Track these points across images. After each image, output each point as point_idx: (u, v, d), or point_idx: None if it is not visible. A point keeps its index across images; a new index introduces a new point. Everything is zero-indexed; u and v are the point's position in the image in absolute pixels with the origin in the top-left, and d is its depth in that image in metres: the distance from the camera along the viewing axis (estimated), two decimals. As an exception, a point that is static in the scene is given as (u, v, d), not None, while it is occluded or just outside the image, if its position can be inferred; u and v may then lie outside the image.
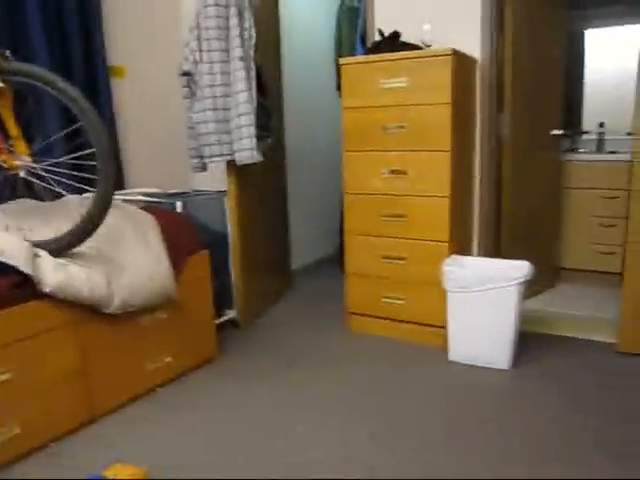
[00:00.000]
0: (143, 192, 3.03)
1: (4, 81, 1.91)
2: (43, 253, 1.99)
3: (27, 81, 1.94)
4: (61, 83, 1.90)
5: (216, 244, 3.02)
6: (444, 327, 2.80)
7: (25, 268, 1.89)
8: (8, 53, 1.96)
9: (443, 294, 2.73)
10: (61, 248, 2.03)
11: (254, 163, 2.97)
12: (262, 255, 3.52)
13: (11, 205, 2.41)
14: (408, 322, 2.95)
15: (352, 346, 2.93)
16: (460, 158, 2.85)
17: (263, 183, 3.49)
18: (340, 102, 3.01)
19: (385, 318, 3.02)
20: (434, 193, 2.75)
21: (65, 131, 2.22)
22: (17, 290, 1.90)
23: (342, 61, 2.93)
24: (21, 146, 2.00)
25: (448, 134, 2.68)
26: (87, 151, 1.93)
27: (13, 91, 2.00)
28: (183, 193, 3.12)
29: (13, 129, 1.99)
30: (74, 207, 2.38)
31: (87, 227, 2.00)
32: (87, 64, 3.04)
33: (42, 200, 2.44)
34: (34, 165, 2.01)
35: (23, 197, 2.46)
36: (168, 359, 2.51)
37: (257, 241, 3.42)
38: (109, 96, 3.15)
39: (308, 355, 2.82)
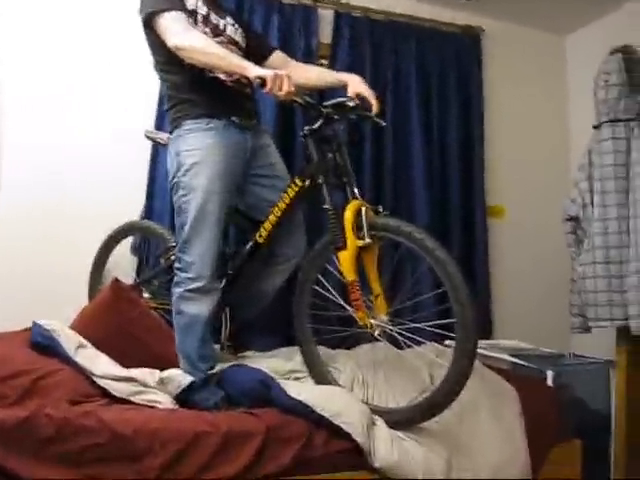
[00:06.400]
0: (510, 348, 2.64)
1: (372, 237, 1.84)
2: (380, 423, 1.79)
3: (393, 237, 1.84)
4: (429, 243, 1.73)
5: (593, 427, 2.39)
6: None
7: (359, 437, 1.70)
8: (380, 209, 1.92)
9: None
10: (402, 421, 1.80)
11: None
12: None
13: (365, 349, 2.33)
14: None
15: None
16: None
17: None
18: None
19: None
20: None
21: (426, 296, 2.07)
22: (345, 456, 1.72)
23: None
24: (381, 305, 1.87)
25: None
26: (451, 320, 1.69)
27: (379, 247, 1.92)
28: (558, 356, 2.62)
29: (376, 287, 1.89)
30: (425, 364, 2.16)
31: (435, 405, 1.74)
32: (465, 205, 2.94)
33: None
34: (390, 327, 1.86)
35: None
36: None
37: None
38: (485, 239, 2.96)
39: None
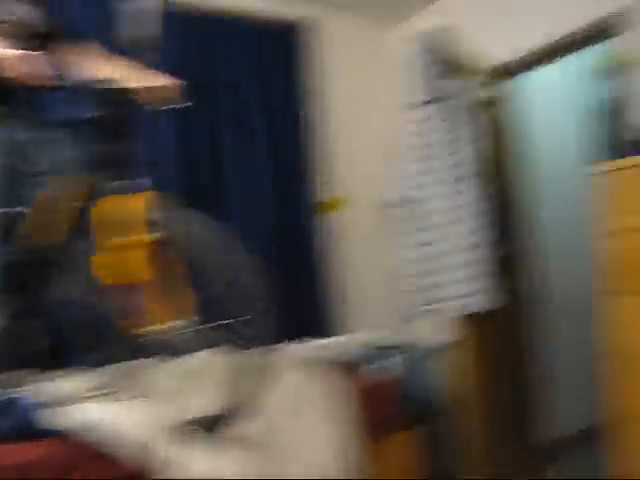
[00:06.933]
0: (345, 342, 2.54)
1: (146, 233, 1.66)
2: (189, 435, 1.61)
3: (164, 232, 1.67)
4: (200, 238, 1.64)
5: (429, 412, 2.33)
6: None
7: (147, 455, 1.50)
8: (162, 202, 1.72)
9: None
10: (210, 429, 1.63)
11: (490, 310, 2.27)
12: (496, 423, 2.64)
13: (167, 360, 2.10)
14: None
15: None
16: None
17: (503, 334, 2.68)
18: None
19: None
20: None
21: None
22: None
23: (605, 167, 2.11)
24: (170, 309, 1.71)
25: None
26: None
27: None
28: (394, 347, 2.54)
29: (161, 290, 1.71)
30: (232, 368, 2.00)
31: (236, 407, 1.61)
32: (292, 204, 2.89)
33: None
34: (183, 332, 1.70)
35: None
36: None
37: (486, 406, 2.59)
38: (313, 233, 2.90)
39: None
